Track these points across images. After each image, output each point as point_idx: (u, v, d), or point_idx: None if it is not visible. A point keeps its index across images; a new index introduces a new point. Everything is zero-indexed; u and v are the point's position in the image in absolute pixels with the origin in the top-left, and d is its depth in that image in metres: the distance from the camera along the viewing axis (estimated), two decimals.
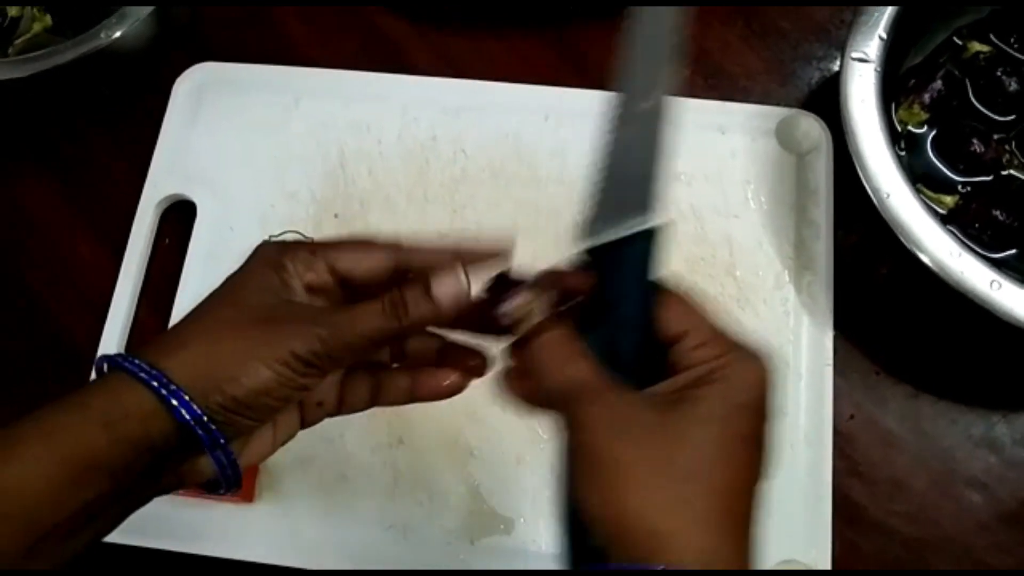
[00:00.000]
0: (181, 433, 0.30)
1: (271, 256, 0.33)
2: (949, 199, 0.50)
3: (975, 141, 0.50)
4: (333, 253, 0.33)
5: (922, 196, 0.49)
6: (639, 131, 0.34)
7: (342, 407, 0.36)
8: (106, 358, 0.32)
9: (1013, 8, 0.53)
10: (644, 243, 0.32)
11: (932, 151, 0.51)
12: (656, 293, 0.32)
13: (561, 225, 0.53)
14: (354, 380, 0.36)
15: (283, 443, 0.36)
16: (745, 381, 0.31)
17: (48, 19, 0.59)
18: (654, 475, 0.28)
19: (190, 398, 0.30)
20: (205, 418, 0.30)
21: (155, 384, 0.30)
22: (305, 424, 0.36)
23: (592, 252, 0.32)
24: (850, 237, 0.53)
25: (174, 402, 0.30)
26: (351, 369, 0.36)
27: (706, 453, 0.29)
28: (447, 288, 0.31)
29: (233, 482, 0.33)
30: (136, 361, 0.30)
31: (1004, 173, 0.51)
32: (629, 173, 0.34)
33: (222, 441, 0.30)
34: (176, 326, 0.33)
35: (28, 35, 0.58)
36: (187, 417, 0.30)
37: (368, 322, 0.31)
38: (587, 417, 0.29)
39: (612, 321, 0.32)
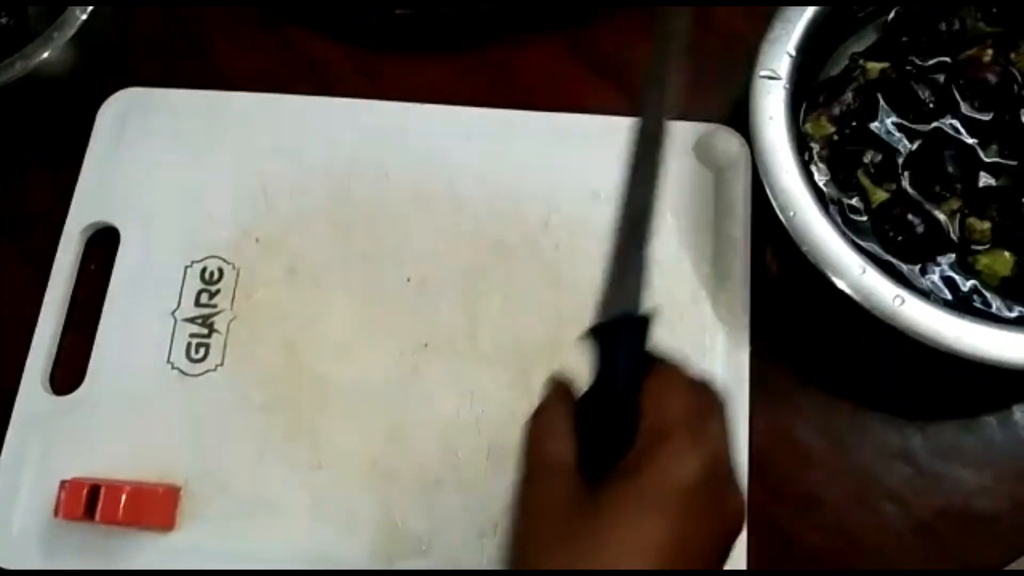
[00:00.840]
0: None
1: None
2: (882, 193, 0.51)
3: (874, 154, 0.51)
4: None
5: (840, 192, 0.51)
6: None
7: None
8: None
9: (899, 32, 0.54)
10: (641, 321, 0.35)
11: (837, 164, 0.52)
12: (649, 367, 0.34)
13: (481, 247, 0.54)
14: None
15: None
16: (669, 467, 0.30)
17: None
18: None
19: None
20: None
21: None
22: None
23: (594, 330, 0.35)
24: (767, 252, 0.53)
25: None
26: None
27: (618, 536, 0.29)
28: None
29: None
30: None
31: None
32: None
33: None
34: None
35: None
36: None
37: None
38: (529, 495, 0.32)
39: (607, 397, 0.34)
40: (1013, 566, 0.50)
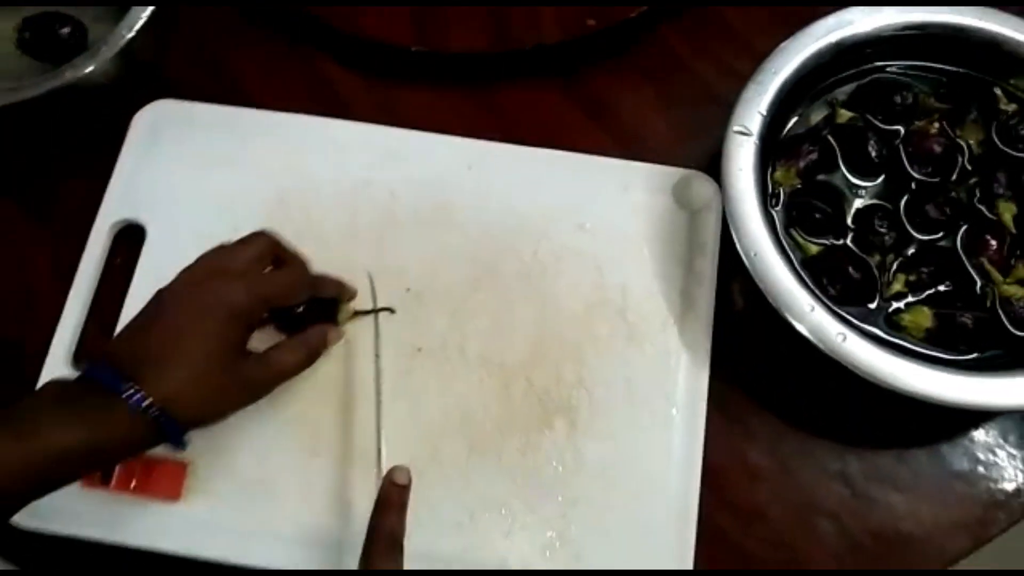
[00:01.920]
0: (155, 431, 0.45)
1: (240, 310, 0.49)
2: (813, 247, 0.57)
3: (826, 208, 0.57)
4: (273, 298, 0.51)
5: (791, 242, 0.57)
6: None
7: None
8: (95, 372, 0.46)
9: (868, 87, 0.61)
10: None
11: (796, 211, 0.58)
12: None
13: (476, 266, 0.59)
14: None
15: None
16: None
17: None
18: None
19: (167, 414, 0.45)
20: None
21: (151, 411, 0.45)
22: None
23: None
24: (732, 288, 0.59)
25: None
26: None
27: None
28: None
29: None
30: (120, 383, 0.45)
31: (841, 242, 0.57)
32: None
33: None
34: (150, 341, 0.48)
35: None
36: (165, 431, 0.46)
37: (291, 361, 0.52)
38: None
39: None
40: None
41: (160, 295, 0.50)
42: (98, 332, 0.58)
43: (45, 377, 0.56)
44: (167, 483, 0.54)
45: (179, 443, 0.47)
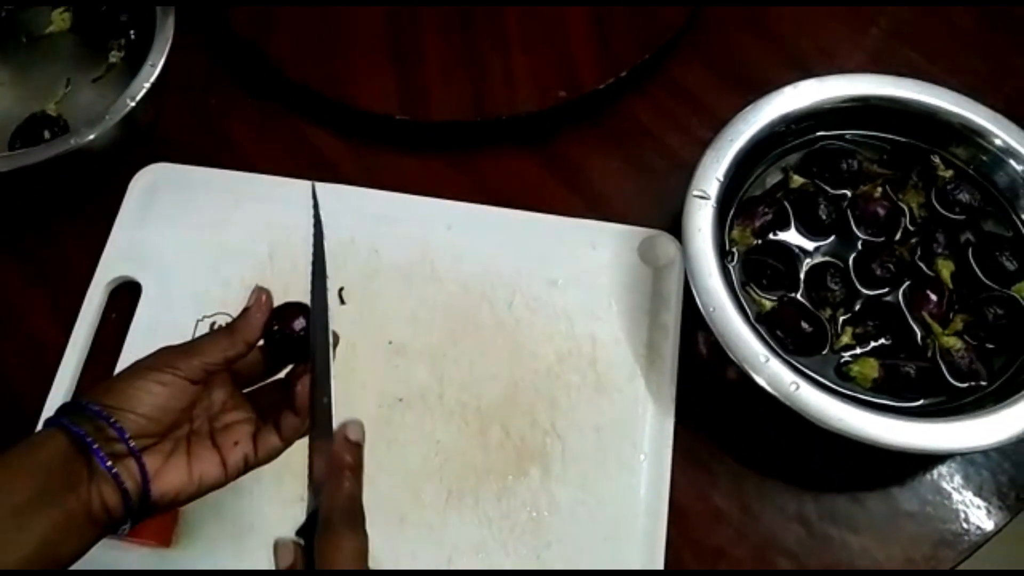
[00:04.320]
0: (80, 447, 0.41)
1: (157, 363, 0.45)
2: (767, 303, 0.61)
3: (779, 266, 0.62)
4: (199, 352, 0.45)
5: (747, 297, 0.61)
6: None
7: (258, 454, 0.47)
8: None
9: (817, 154, 0.66)
10: None
11: (752, 268, 0.62)
12: None
13: (454, 319, 0.63)
14: (264, 432, 0.47)
15: (208, 485, 0.46)
16: None
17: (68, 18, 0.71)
18: None
19: (83, 404, 0.42)
20: (90, 432, 0.41)
21: (56, 415, 0.42)
22: (227, 466, 0.46)
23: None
24: (694, 339, 0.63)
25: (63, 419, 0.42)
26: (260, 425, 0.47)
27: None
28: (254, 308, 0.47)
29: (140, 505, 0.43)
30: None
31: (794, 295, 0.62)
32: None
33: (128, 441, 0.42)
34: None
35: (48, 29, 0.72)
36: (64, 422, 0.41)
37: (216, 344, 0.46)
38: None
39: None
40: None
41: None
42: (94, 382, 0.61)
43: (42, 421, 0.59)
44: (158, 529, 0.56)
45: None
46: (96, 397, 0.43)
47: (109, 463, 0.41)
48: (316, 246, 0.49)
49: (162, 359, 0.45)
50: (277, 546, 0.41)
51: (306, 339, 0.46)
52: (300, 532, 0.41)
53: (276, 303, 0.48)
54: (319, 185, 0.67)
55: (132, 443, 0.42)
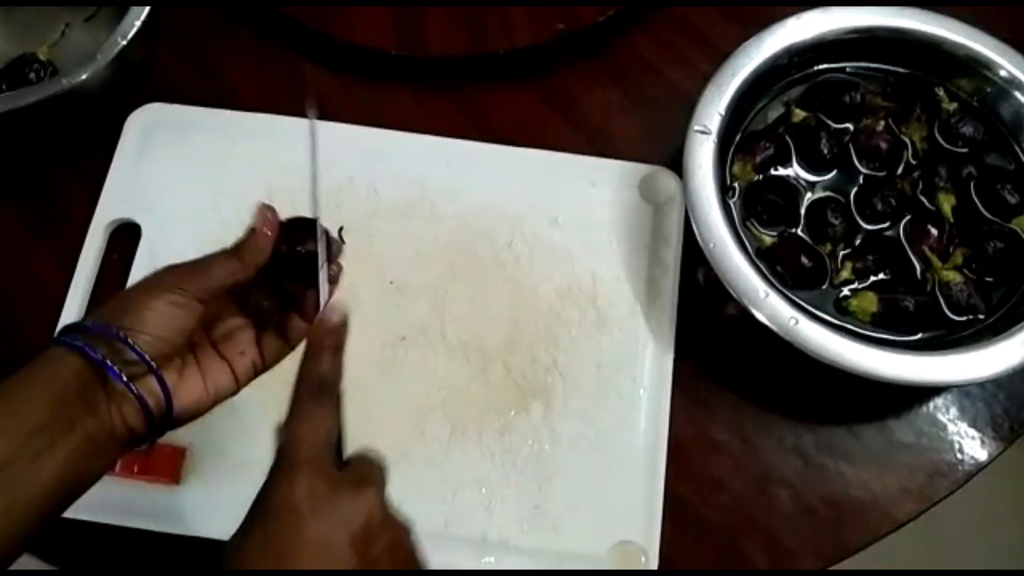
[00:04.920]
0: (96, 369, 0.41)
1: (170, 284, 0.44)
2: (768, 238, 0.61)
3: (780, 200, 0.62)
4: (209, 272, 0.45)
5: (748, 233, 0.61)
6: None
7: (265, 359, 0.47)
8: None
9: (820, 87, 0.65)
10: None
11: (753, 203, 0.62)
12: None
13: (454, 257, 0.63)
14: (266, 336, 0.48)
15: (223, 394, 0.46)
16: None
17: None
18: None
19: (98, 330, 0.41)
20: (106, 354, 0.41)
21: (67, 337, 0.41)
22: (237, 375, 0.46)
23: None
24: (694, 276, 0.63)
25: (77, 343, 0.41)
26: (262, 328, 0.48)
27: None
28: (261, 229, 0.45)
29: (163, 422, 0.43)
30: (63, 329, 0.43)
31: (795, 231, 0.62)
32: None
33: (151, 364, 0.42)
34: None
35: None
36: (79, 345, 0.41)
37: (224, 266, 0.45)
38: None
39: None
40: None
41: None
42: None
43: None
44: (167, 467, 0.57)
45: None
46: (108, 317, 0.42)
47: (133, 386, 0.41)
48: (312, 149, 0.48)
49: (171, 278, 0.44)
50: (277, 432, 0.42)
51: (314, 259, 0.45)
52: None
53: None
54: (318, 123, 0.66)
55: (152, 363, 0.42)
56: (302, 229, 0.46)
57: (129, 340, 0.41)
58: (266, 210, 0.46)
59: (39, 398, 0.40)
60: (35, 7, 0.70)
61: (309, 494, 0.38)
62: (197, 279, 0.44)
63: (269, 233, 0.45)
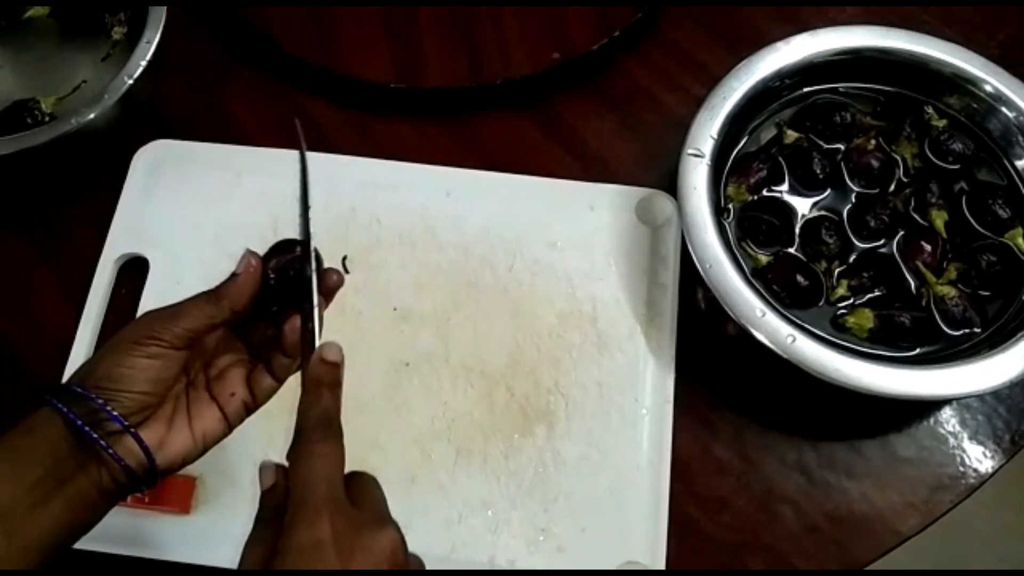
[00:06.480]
0: (75, 431, 0.42)
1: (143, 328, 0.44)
2: (763, 258, 0.62)
3: (772, 220, 0.63)
4: (183, 319, 0.45)
5: (743, 253, 0.62)
6: None
7: (256, 397, 0.47)
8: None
9: (810, 108, 0.66)
10: None
11: (748, 224, 0.63)
12: None
13: (456, 284, 0.64)
14: (257, 374, 0.47)
15: (213, 440, 0.46)
16: None
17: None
18: None
19: (76, 390, 0.42)
20: (86, 417, 0.41)
21: (53, 399, 0.42)
22: (228, 417, 0.47)
23: None
24: (693, 296, 0.64)
25: (59, 405, 0.42)
26: (253, 365, 0.48)
27: None
28: (244, 275, 0.46)
29: (148, 476, 0.44)
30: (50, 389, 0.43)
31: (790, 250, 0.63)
32: None
33: (127, 426, 0.42)
34: None
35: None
36: (62, 409, 0.42)
37: (201, 309, 0.45)
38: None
39: None
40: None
41: None
42: None
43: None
44: (178, 497, 0.58)
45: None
46: (85, 380, 0.43)
47: (109, 448, 0.42)
48: (302, 174, 0.50)
49: (144, 330, 0.44)
50: (262, 469, 0.43)
51: (299, 282, 0.46)
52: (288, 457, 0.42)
53: None
54: (320, 155, 0.69)
55: (128, 423, 0.42)
56: (290, 253, 0.47)
57: (107, 403, 0.42)
58: (250, 256, 0.46)
59: (36, 453, 0.42)
60: (53, 48, 0.72)
61: (334, 536, 0.38)
62: (172, 326, 0.44)
63: (248, 283, 0.46)
